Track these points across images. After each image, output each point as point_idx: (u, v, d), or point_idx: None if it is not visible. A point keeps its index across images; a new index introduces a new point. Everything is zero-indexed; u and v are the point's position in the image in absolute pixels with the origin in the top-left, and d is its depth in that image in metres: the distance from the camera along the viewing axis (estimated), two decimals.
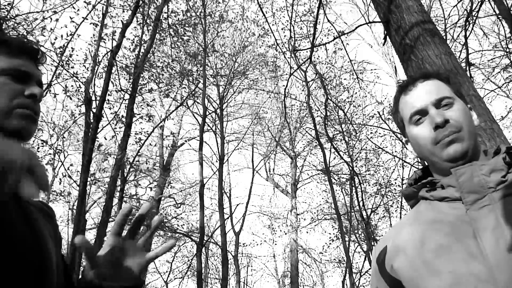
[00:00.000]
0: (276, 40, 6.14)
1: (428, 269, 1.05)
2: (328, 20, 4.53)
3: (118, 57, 8.29)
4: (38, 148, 8.33)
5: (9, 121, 0.95)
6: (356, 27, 3.41)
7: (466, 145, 1.11)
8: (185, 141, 14.72)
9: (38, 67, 1.08)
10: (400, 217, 10.36)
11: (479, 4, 5.25)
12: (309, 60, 4.30)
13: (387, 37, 3.21)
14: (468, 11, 5.44)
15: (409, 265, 1.10)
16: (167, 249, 0.98)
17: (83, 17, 7.70)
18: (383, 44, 3.31)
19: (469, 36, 5.42)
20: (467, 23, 5.35)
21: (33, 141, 7.93)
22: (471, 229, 1.03)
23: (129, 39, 8.95)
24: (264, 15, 4.89)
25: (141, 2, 8.10)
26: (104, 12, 7.99)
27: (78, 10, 8.07)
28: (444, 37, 4.60)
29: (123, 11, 9.36)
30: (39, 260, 0.88)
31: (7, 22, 7.90)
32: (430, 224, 1.11)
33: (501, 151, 1.14)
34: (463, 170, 1.09)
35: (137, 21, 9.21)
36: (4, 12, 7.12)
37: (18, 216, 0.90)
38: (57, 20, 7.27)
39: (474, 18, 5.58)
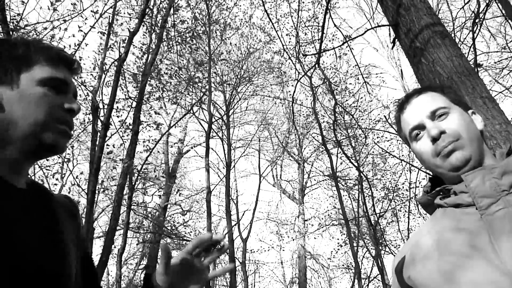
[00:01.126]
0: (283, 45, 6.13)
1: (446, 278, 1.02)
2: (335, 25, 4.52)
3: (125, 65, 8.33)
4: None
5: (47, 135, 0.93)
6: (365, 31, 3.40)
7: (467, 151, 1.10)
8: (191, 147, 14.74)
9: (74, 78, 1.07)
10: (408, 221, 10.27)
11: (486, 5, 5.22)
12: (316, 65, 4.30)
13: (396, 40, 3.19)
14: (476, 13, 5.41)
15: (426, 275, 1.07)
16: (226, 271, 1.11)
17: (90, 26, 7.75)
18: (392, 48, 3.29)
19: (476, 37, 5.39)
20: (475, 24, 5.32)
21: None
22: (487, 234, 1.00)
23: (136, 47, 9.01)
24: (270, 20, 4.90)
25: (148, 10, 8.15)
26: (111, 21, 8.04)
27: (86, 19, 8.13)
28: (454, 39, 4.57)
29: (130, 19, 9.43)
30: (55, 267, 0.87)
31: (16, 33, 7.97)
32: (446, 232, 1.09)
33: (504, 153, 1.14)
34: (473, 175, 1.07)
35: (146, 28, 9.27)
36: (13, 23, 7.18)
37: (38, 219, 0.90)
38: (65, 29, 7.32)
39: (481, 19, 5.55)
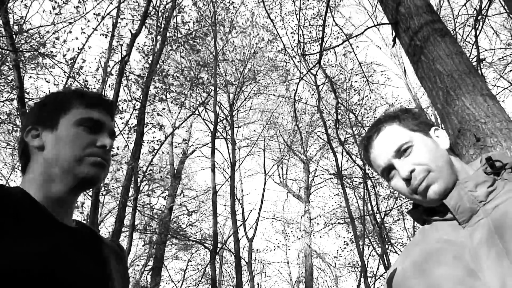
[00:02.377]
0: (284, 45, 6.13)
1: None
2: (336, 24, 4.52)
3: (129, 67, 8.36)
4: None
5: (80, 168, 1.01)
6: (365, 30, 3.39)
7: (442, 182, 1.12)
8: (196, 148, 14.77)
9: (112, 119, 1.16)
10: (414, 220, 10.22)
11: (489, 2, 5.20)
12: (318, 64, 4.30)
13: (396, 38, 3.19)
14: (478, 10, 5.39)
15: (414, 286, 1.10)
16: None
17: (93, 28, 7.79)
18: (392, 46, 3.29)
19: (479, 35, 5.37)
20: (477, 22, 5.30)
21: None
22: (470, 244, 1.04)
23: (138, 48, 9.04)
24: (270, 18, 4.90)
25: (150, 12, 8.18)
26: (114, 23, 8.07)
27: (88, 21, 8.17)
28: (454, 37, 4.56)
29: (133, 21, 9.46)
30: None
31: (20, 36, 8.03)
32: (433, 245, 1.12)
33: (482, 162, 1.15)
34: (450, 195, 1.10)
35: (149, 31, 9.30)
36: (17, 26, 7.23)
37: (90, 255, 0.96)
38: (70, 32, 7.36)
39: (484, 16, 5.53)
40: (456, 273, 1.03)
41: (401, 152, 1.16)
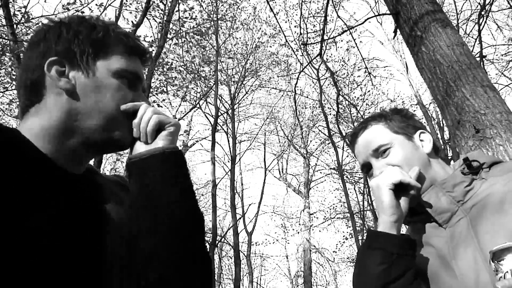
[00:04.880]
0: (286, 37, 6.11)
1: None
2: (338, 16, 4.49)
3: None
4: None
5: (117, 132, 0.88)
6: (365, 20, 3.37)
7: None
8: (197, 141, 14.77)
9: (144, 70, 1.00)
10: None
11: None
12: (319, 55, 4.28)
13: (398, 30, 3.16)
14: (482, 5, 5.35)
15: None
16: None
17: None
18: (393, 37, 3.26)
19: (482, 29, 5.33)
20: (481, 17, 5.26)
21: None
22: (449, 244, 1.09)
23: (139, 40, 9.01)
24: (272, 11, 4.87)
25: (152, 2, 8.14)
26: (117, 14, 8.04)
27: (91, 11, 8.13)
28: (455, 28, 4.52)
29: (137, 11, 9.42)
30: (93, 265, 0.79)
31: (21, 27, 8.01)
32: (418, 247, 1.16)
33: (459, 163, 1.19)
34: (428, 195, 1.15)
35: (150, 24, 9.27)
36: (18, 16, 7.21)
37: (86, 210, 0.83)
38: None
39: (488, 12, 5.49)
40: (440, 274, 1.07)
41: (379, 153, 1.21)
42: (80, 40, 0.87)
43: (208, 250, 0.87)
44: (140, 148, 0.87)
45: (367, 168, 1.26)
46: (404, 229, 1.29)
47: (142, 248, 0.78)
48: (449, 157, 9.70)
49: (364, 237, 12.68)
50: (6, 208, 0.67)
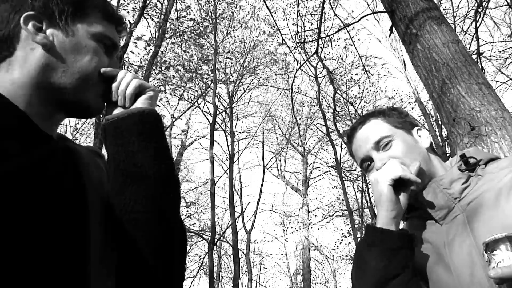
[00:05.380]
0: (282, 35, 6.11)
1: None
2: (335, 13, 4.50)
3: (127, 56, 8.32)
4: None
5: (89, 94, 0.87)
6: (361, 17, 3.37)
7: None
8: (195, 139, 14.77)
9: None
10: None
11: None
12: (316, 53, 4.28)
13: (393, 28, 3.17)
14: (478, 2, 5.35)
15: None
16: None
17: None
18: (389, 35, 3.27)
19: (479, 27, 5.33)
20: (477, 14, 5.26)
21: None
22: (445, 240, 1.09)
23: (137, 39, 9.00)
24: (269, 9, 4.87)
25: (148, 2, 8.13)
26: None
27: None
28: (454, 28, 4.52)
29: (134, 11, 9.40)
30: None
31: None
32: (417, 243, 1.16)
33: (456, 159, 1.19)
34: (426, 191, 1.15)
35: (148, 24, 9.24)
36: None
37: (66, 171, 0.78)
38: None
39: (484, 8, 5.49)
40: (436, 270, 1.08)
41: (380, 145, 1.20)
42: (60, 0, 0.86)
43: (179, 213, 0.88)
44: (118, 111, 0.88)
45: (367, 163, 1.24)
46: (402, 225, 1.30)
47: (117, 207, 0.79)
48: (448, 154, 9.71)
49: (363, 234, 12.64)
50: None
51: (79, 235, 0.73)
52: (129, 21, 8.80)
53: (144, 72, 8.07)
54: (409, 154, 1.17)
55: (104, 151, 0.95)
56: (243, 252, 14.15)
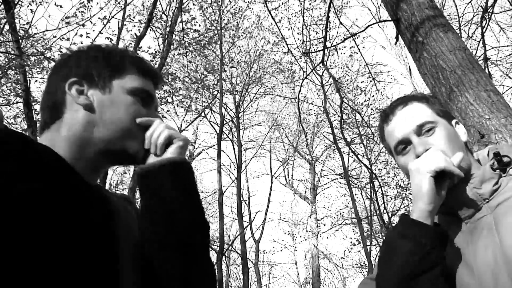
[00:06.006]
0: (287, 45, 6.13)
1: None
2: (340, 22, 4.51)
3: None
4: None
5: (131, 143, 0.95)
6: (367, 27, 3.38)
7: None
8: (203, 150, 14.79)
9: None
10: None
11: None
12: (322, 62, 4.29)
13: (399, 36, 3.17)
14: (484, 8, 5.33)
15: None
16: None
17: (98, 31, 7.82)
18: (395, 43, 3.27)
19: (485, 32, 5.32)
20: (483, 19, 5.24)
21: None
22: (469, 240, 1.05)
23: (144, 51, 9.07)
24: (274, 20, 4.90)
25: (155, 14, 8.20)
26: (120, 26, 8.10)
27: (94, 24, 8.21)
28: (459, 34, 4.52)
29: (140, 23, 9.49)
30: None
31: (26, 41, 8.09)
32: None
33: (489, 157, 1.14)
34: (455, 189, 1.09)
35: (155, 35, 9.32)
36: (23, 30, 7.29)
37: (103, 214, 0.87)
38: (81, 35, 7.38)
39: (490, 14, 5.47)
40: (458, 271, 1.04)
41: (423, 130, 1.14)
42: (98, 63, 0.98)
43: (211, 255, 0.94)
44: (151, 160, 0.95)
45: (403, 145, 1.17)
46: None
47: (149, 254, 0.85)
48: None
49: (372, 243, 12.63)
50: (26, 202, 0.71)
51: (110, 281, 0.80)
52: (135, 33, 8.88)
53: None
54: (451, 145, 1.11)
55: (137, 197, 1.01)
56: (252, 262, 14.09)
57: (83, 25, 6.63)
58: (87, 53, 1.00)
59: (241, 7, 13.23)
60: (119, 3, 8.01)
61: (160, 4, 8.43)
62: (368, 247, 11.18)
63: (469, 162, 1.13)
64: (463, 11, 6.49)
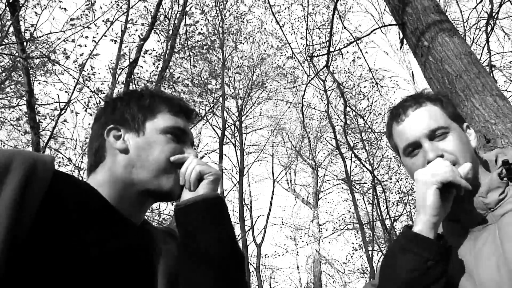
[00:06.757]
0: (292, 49, 6.13)
1: None
2: (344, 27, 4.51)
3: (138, 72, 8.40)
4: (59, 166, 8.42)
5: (166, 180, 1.00)
6: (372, 31, 3.37)
7: None
8: (205, 154, 14.78)
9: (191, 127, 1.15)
10: None
11: (500, 5, 5.14)
12: (325, 67, 4.28)
13: (404, 40, 3.16)
14: (489, 13, 5.33)
15: None
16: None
17: (102, 34, 7.84)
18: (400, 48, 3.26)
19: (490, 37, 5.31)
20: (488, 24, 5.24)
21: (58, 159, 8.00)
22: (472, 249, 1.04)
23: (146, 53, 9.10)
24: (278, 23, 4.90)
25: (158, 17, 8.22)
26: (123, 29, 8.12)
27: (98, 27, 8.24)
28: (462, 37, 4.50)
29: (143, 25, 9.52)
30: None
31: (31, 43, 8.12)
32: None
33: (497, 165, 1.12)
34: (460, 198, 1.07)
35: (159, 37, 9.34)
36: (28, 33, 7.31)
37: (140, 262, 0.95)
38: (86, 37, 7.41)
39: (495, 19, 5.47)
40: (460, 280, 1.04)
41: (436, 134, 1.11)
42: (131, 108, 1.05)
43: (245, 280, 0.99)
44: (185, 195, 1.00)
45: (412, 148, 1.14)
46: None
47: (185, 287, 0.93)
48: None
49: (374, 248, 12.58)
50: (70, 245, 0.80)
51: None
52: (139, 36, 8.91)
53: (154, 86, 8.12)
54: (462, 152, 1.08)
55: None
56: (253, 266, 14.03)
57: (88, 27, 6.63)
58: (121, 100, 1.08)
59: (244, 11, 13.30)
60: (121, 7, 8.03)
61: (163, 8, 8.43)
62: (370, 252, 11.14)
63: (476, 171, 1.11)
64: (468, 17, 6.49)
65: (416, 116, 1.15)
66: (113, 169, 0.99)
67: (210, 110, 12.96)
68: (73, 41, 7.57)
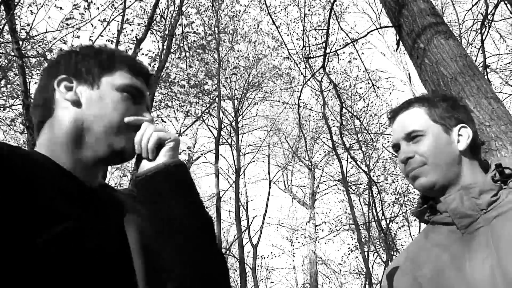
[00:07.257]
0: (288, 50, 6.14)
1: None
2: (341, 28, 4.51)
3: None
4: None
5: (118, 139, 0.92)
6: (368, 32, 3.39)
7: (431, 178, 1.14)
8: (201, 154, 14.76)
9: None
10: (419, 226, 10.15)
11: (495, 7, 5.16)
12: (322, 68, 4.29)
13: (400, 42, 3.17)
14: (484, 15, 5.35)
15: (406, 286, 1.15)
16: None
17: (99, 34, 7.82)
18: (396, 50, 3.27)
19: (485, 39, 5.33)
20: (483, 26, 5.26)
21: None
22: (466, 251, 1.05)
23: (143, 54, 9.09)
24: (275, 24, 4.90)
25: (155, 17, 8.21)
26: (119, 29, 8.10)
27: (94, 27, 8.22)
28: (459, 41, 4.52)
29: (139, 25, 9.50)
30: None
31: (26, 43, 8.09)
32: (430, 247, 1.15)
33: (491, 169, 1.14)
34: (452, 197, 1.10)
35: (155, 37, 9.33)
36: (23, 32, 7.28)
37: (112, 221, 0.89)
38: (78, 37, 7.39)
39: (490, 21, 5.49)
40: (453, 282, 1.04)
41: (411, 137, 1.19)
42: (87, 60, 0.97)
43: (222, 251, 0.94)
44: (144, 165, 0.92)
45: (396, 149, 1.25)
46: (423, 226, 1.29)
47: (158, 261, 0.85)
48: None
49: (370, 249, 12.59)
50: (29, 220, 0.72)
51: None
52: (135, 36, 8.89)
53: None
54: (434, 154, 1.14)
55: None
56: (249, 267, 14.03)
57: (79, 29, 6.61)
58: (78, 52, 1.00)
59: (239, 10, 13.29)
60: (116, 8, 8.02)
61: (159, 8, 8.42)
62: (366, 253, 11.16)
63: (461, 171, 1.14)
64: (463, 18, 6.52)
65: (399, 120, 1.25)
66: (62, 124, 0.91)
67: (206, 111, 12.95)
68: (65, 42, 7.53)
